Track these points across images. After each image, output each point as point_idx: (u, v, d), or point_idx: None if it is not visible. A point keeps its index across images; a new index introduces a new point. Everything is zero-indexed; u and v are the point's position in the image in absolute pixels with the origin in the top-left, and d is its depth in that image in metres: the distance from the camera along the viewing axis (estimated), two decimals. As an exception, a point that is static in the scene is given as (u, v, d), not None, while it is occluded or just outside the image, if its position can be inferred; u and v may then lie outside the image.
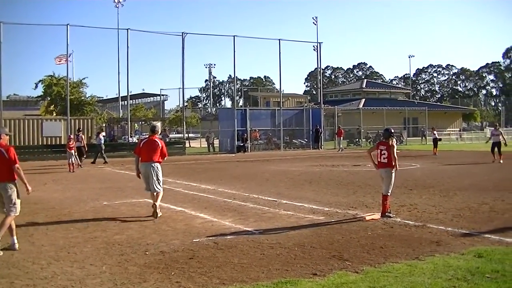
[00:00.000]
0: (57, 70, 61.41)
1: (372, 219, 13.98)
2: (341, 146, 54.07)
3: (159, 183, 15.29)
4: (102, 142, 39.63)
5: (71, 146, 33.16)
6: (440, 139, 48.03)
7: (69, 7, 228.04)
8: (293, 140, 58.30)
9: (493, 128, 38.78)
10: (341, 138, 54.78)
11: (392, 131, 15.47)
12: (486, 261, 9.41)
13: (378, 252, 10.41)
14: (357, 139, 65.09)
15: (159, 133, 18.16)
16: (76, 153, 34.11)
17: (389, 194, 14.46)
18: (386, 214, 14.23)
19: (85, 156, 36.89)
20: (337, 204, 16.92)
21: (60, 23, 50.06)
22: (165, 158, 15.65)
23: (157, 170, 15.21)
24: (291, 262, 9.80)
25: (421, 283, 8.19)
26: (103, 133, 42.40)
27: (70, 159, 32.76)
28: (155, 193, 15.22)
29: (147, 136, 16.98)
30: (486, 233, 12.03)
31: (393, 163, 14.48)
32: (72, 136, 35.76)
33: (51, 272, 9.36)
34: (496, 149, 33.61)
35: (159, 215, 14.75)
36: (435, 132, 47.39)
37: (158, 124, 22.06)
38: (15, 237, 11.45)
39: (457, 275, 8.57)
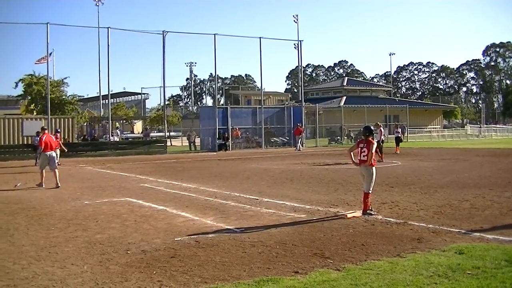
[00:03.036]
0: (38, 69, 61.21)
1: (354, 216, 14.00)
2: (298, 145, 52.85)
3: None
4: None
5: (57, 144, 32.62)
6: (401, 140, 46.89)
7: (49, 5, 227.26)
8: (274, 138, 58.23)
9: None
10: (300, 136, 53.82)
11: (372, 128, 15.51)
12: (467, 258, 9.45)
13: (359, 250, 10.43)
14: (338, 137, 65.10)
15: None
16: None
17: (370, 191, 14.47)
18: (368, 211, 14.26)
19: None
20: (319, 202, 16.94)
21: (40, 22, 49.87)
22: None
23: None
24: (272, 260, 9.81)
25: (403, 280, 8.21)
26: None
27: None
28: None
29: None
30: (467, 230, 12.09)
31: (370, 159, 14.46)
32: (58, 135, 35.79)
33: (32, 272, 9.31)
34: None
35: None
36: (398, 129, 47.19)
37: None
38: None
39: (438, 272, 8.60)
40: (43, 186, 22.63)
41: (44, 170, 23.23)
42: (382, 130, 35.07)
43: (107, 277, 8.93)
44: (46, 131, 24.78)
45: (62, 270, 9.44)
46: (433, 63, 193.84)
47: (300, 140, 53.47)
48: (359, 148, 14.77)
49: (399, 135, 45.86)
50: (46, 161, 23.38)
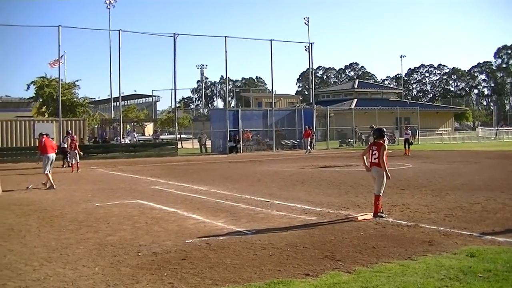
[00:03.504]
0: (49, 71, 61.19)
1: (365, 219, 13.98)
2: (308, 148, 52.39)
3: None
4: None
5: (73, 146, 34.29)
6: (411, 143, 46.83)
7: (61, 8, 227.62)
8: (285, 141, 58.14)
9: None
10: (309, 139, 53.30)
11: (384, 130, 15.50)
12: (478, 261, 9.41)
13: (370, 252, 10.42)
14: (350, 139, 64.96)
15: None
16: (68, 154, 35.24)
17: (381, 194, 14.45)
18: (378, 214, 14.24)
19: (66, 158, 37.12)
20: (329, 204, 16.93)
21: (51, 25, 49.97)
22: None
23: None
24: (283, 262, 9.81)
25: (414, 282, 8.20)
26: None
27: (73, 159, 33.94)
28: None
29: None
30: (478, 232, 12.04)
31: (383, 168, 14.44)
32: (75, 136, 37.25)
33: (43, 274, 9.34)
34: None
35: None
36: (408, 132, 47.11)
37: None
38: None
39: (449, 275, 8.58)
40: (55, 187, 22.77)
41: (50, 171, 23.39)
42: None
43: (118, 279, 8.96)
44: (45, 135, 25.20)
45: (74, 271, 9.47)
46: (444, 65, 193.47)
47: (309, 142, 53.19)
48: (371, 151, 14.75)
49: (409, 137, 45.71)
50: (49, 162, 23.57)
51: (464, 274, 8.59)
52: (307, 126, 54.80)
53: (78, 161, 34.12)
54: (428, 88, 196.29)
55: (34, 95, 64.50)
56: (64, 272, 9.42)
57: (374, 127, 34.67)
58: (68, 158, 36.50)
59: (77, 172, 32.51)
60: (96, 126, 71.24)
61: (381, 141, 14.76)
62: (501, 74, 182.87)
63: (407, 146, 43.97)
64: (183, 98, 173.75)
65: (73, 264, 9.99)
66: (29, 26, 75.20)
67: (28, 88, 64.36)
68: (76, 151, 34.14)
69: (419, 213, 14.94)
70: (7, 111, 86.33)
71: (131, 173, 31.00)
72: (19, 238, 12.62)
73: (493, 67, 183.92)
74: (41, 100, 63.30)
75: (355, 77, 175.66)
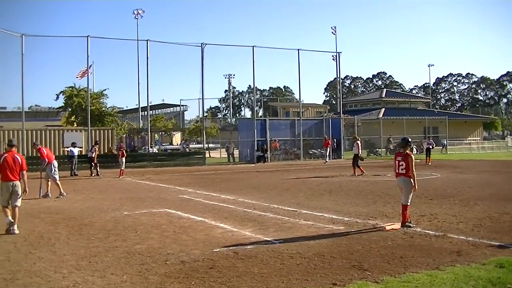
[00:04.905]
0: (78, 81, 61.69)
1: (392, 229, 13.95)
2: (326, 158, 52.03)
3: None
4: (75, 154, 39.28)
5: (120, 153, 36.66)
6: (432, 147, 47.57)
7: (90, 19, 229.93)
8: (313, 150, 57.98)
9: None
10: (327, 149, 52.88)
11: (409, 140, 15.43)
12: (507, 271, 9.36)
13: (398, 262, 10.39)
14: (377, 149, 64.66)
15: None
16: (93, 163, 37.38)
17: (408, 204, 14.39)
18: (406, 224, 14.19)
19: (93, 167, 37.53)
20: (357, 214, 16.90)
21: (80, 35, 50.40)
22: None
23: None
24: (311, 272, 9.81)
25: (442, 293, 8.17)
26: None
27: (122, 166, 36.28)
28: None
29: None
30: (507, 243, 11.96)
31: (412, 179, 14.40)
32: (122, 144, 40.59)
33: (72, 281, 9.43)
34: None
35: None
36: (430, 141, 47.28)
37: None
38: (16, 225, 14.56)
39: (478, 286, 8.55)
40: (65, 194, 23.02)
41: (58, 179, 23.65)
42: (359, 143, 34.86)
43: (146, 287, 9.02)
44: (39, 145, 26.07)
45: (102, 279, 9.54)
46: (472, 74, 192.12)
47: (328, 152, 52.86)
48: (397, 161, 14.70)
49: (430, 147, 46.17)
50: (54, 170, 23.86)
51: (493, 285, 8.55)
52: (325, 136, 54.59)
53: (123, 168, 36.39)
54: (457, 97, 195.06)
55: (63, 104, 64.92)
56: (93, 280, 9.50)
57: (358, 138, 34.96)
58: (92, 168, 37.04)
59: (122, 177, 34.70)
60: (124, 136, 71.56)
61: (408, 152, 14.71)
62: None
63: (428, 155, 44.71)
64: (210, 108, 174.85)
65: (101, 272, 10.06)
66: (58, 36, 75.99)
67: (58, 98, 64.97)
68: (123, 158, 36.39)
69: (447, 223, 14.86)
70: (37, 121, 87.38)
71: (159, 182, 31.12)
72: (48, 246, 12.75)
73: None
74: (70, 109, 63.73)
75: (382, 86, 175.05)
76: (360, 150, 34.65)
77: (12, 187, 14.88)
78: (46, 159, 23.97)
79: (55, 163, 24.34)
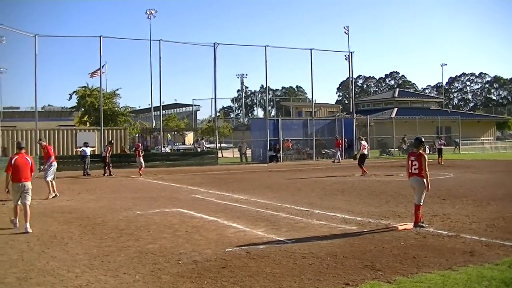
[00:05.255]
0: (91, 81, 61.99)
1: (405, 229, 13.91)
2: (337, 157, 52.05)
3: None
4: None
5: (137, 153, 37.32)
6: (443, 146, 47.80)
7: (103, 19, 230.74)
8: (325, 150, 57.90)
9: None
10: (339, 149, 53.10)
11: (423, 140, 15.40)
12: (520, 272, 9.34)
13: (410, 262, 10.37)
14: (389, 149, 64.50)
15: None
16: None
17: (421, 204, 14.37)
18: (419, 224, 14.16)
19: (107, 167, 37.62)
20: (370, 214, 16.88)
21: (93, 35, 50.54)
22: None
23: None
24: (323, 271, 9.81)
25: (455, 293, 8.15)
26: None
27: (139, 164, 36.80)
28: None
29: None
30: (520, 243, 11.92)
31: (425, 180, 14.38)
32: (139, 145, 40.83)
33: (85, 280, 9.46)
34: None
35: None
36: (441, 141, 47.28)
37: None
38: (28, 223, 14.77)
39: (491, 286, 8.52)
40: (53, 195, 22.98)
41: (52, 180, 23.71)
42: (364, 143, 34.76)
43: (159, 287, 9.04)
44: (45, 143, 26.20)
45: (115, 279, 9.57)
46: (485, 74, 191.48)
47: (338, 152, 52.87)
48: (410, 161, 14.67)
49: (442, 147, 46.35)
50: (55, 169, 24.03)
51: (507, 286, 8.52)
52: (337, 136, 54.55)
53: (143, 166, 37.08)
54: (470, 97, 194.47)
55: (76, 104, 65.19)
56: (105, 279, 9.53)
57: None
58: (106, 167, 37.18)
59: (140, 176, 35.23)
60: (137, 135, 71.72)
61: (421, 151, 14.69)
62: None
63: (440, 155, 44.90)
64: (223, 107, 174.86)
65: (114, 271, 10.09)
66: (71, 36, 76.19)
67: (70, 97, 65.36)
68: (140, 158, 36.95)
69: (460, 223, 14.81)
70: (49, 120, 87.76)
71: (172, 181, 31.16)
72: (61, 245, 12.80)
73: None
74: (83, 109, 63.98)
75: (395, 86, 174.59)
76: (364, 150, 34.49)
77: (23, 187, 15.31)
78: (53, 156, 24.04)
79: (55, 163, 24.38)
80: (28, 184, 15.49)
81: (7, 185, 15.69)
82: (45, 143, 25.53)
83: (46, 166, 23.99)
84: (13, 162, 15.37)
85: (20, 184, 15.29)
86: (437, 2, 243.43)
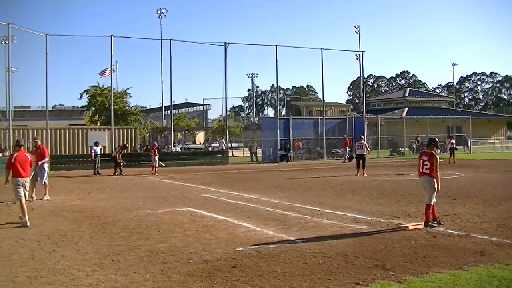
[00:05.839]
0: (101, 80, 62.03)
1: (415, 228, 13.90)
2: (346, 157, 51.70)
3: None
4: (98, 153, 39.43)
5: (152, 152, 38.11)
6: (456, 148, 48.07)
7: (113, 18, 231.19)
8: (336, 149, 57.83)
9: None
10: (347, 148, 52.71)
11: (437, 140, 15.40)
12: (531, 272, 9.30)
13: (421, 262, 10.35)
14: (400, 148, 64.38)
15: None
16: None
17: (431, 203, 14.34)
18: (429, 223, 14.14)
19: (117, 166, 37.73)
20: (380, 213, 16.86)
21: (104, 34, 50.61)
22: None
23: None
24: (333, 271, 9.80)
25: (465, 293, 8.13)
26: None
27: (154, 163, 37.80)
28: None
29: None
30: (531, 243, 11.88)
31: (436, 180, 14.36)
32: (155, 143, 42.10)
33: (95, 279, 9.49)
34: None
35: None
36: (452, 141, 47.32)
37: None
38: (26, 217, 15.55)
39: (501, 286, 8.49)
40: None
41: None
42: (365, 143, 34.74)
43: (169, 286, 9.05)
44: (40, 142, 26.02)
45: (125, 278, 9.59)
46: (496, 73, 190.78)
47: (344, 152, 52.74)
48: (422, 161, 14.65)
49: (453, 146, 46.44)
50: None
51: (517, 286, 8.50)
52: (345, 135, 54.47)
53: (157, 166, 38.07)
54: (480, 96, 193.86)
55: (86, 103, 65.37)
56: (115, 278, 9.55)
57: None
58: (117, 167, 37.28)
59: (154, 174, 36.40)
60: (148, 135, 71.77)
61: (433, 152, 14.67)
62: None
63: (452, 154, 45.19)
64: (233, 107, 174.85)
65: (124, 270, 10.12)
66: (82, 36, 76.02)
67: (81, 97, 65.54)
68: (156, 156, 37.89)
69: (470, 223, 14.77)
70: (60, 120, 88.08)
71: (182, 181, 31.19)
72: (72, 244, 12.83)
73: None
74: (93, 108, 64.13)
75: (406, 86, 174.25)
76: (366, 150, 34.46)
77: (23, 183, 16.33)
78: (47, 158, 23.81)
79: (47, 165, 24.28)
80: (27, 179, 16.68)
81: (7, 179, 16.25)
82: (40, 143, 25.16)
83: (39, 168, 22.91)
84: (13, 159, 16.28)
85: (20, 179, 16.22)
86: (448, 2, 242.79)
